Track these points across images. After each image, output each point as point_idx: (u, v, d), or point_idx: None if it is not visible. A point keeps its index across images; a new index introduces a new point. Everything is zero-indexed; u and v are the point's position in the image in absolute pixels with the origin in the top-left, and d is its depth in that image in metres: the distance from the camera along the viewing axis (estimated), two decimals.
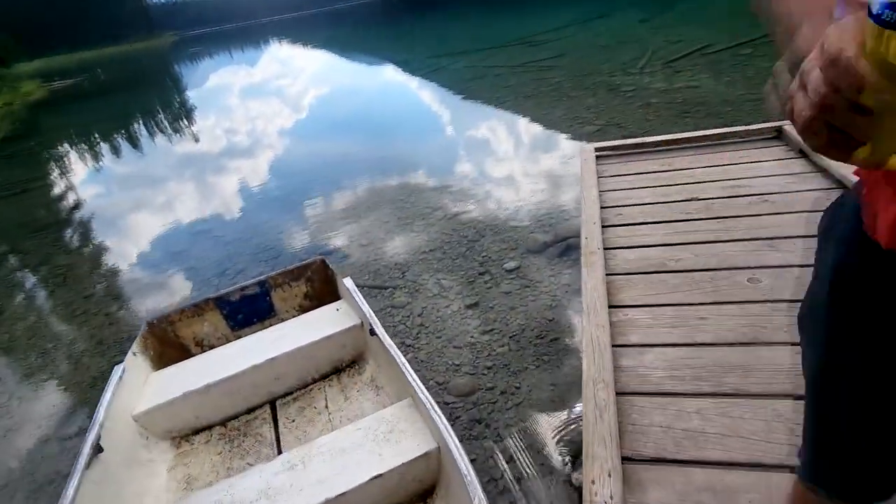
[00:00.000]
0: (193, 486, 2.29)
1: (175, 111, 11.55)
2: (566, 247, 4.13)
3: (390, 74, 12.82)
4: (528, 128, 7.69)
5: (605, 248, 2.69)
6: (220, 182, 7.59)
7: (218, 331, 3.15)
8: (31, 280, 5.63)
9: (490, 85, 10.50)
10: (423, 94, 11.39)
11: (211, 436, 2.54)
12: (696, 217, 2.87)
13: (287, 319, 3.07)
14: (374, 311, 2.69)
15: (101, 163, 9.50)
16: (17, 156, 9.80)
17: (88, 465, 2.03)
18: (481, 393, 2.87)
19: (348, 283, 2.93)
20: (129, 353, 2.69)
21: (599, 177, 3.58)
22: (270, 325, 3.05)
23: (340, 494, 1.71)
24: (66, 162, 9.51)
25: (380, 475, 1.77)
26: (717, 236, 2.64)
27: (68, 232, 6.81)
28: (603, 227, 2.92)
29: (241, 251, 5.22)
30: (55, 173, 9.24)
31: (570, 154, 6.22)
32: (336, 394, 2.66)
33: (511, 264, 4.05)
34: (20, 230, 6.99)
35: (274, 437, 2.40)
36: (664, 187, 3.31)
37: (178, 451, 2.50)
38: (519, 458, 2.40)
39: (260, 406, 2.62)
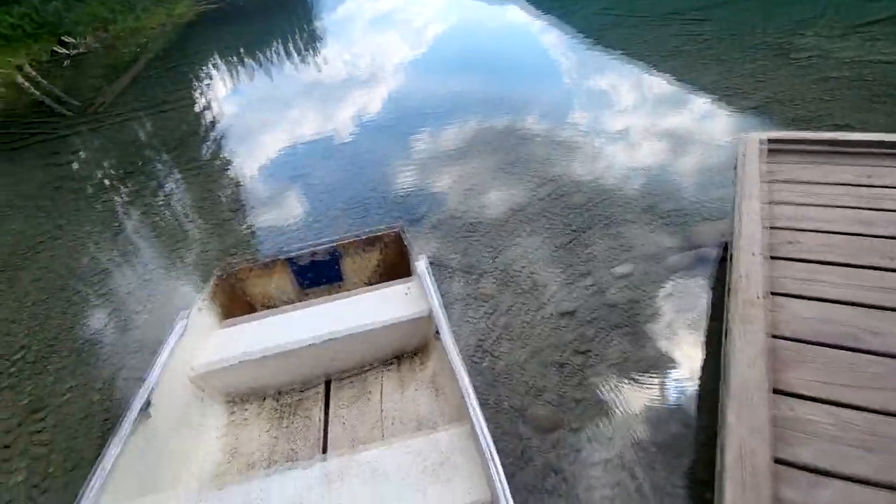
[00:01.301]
0: (236, 463, 2.21)
1: (303, 38, 11.65)
2: (697, 258, 3.35)
3: (515, 13, 11.82)
4: (665, 93, 6.53)
5: (771, 294, 1.98)
6: (334, 112, 7.43)
7: (286, 291, 3.09)
8: (150, 197, 5.96)
9: (625, 36, 9.12)
10: (548, 37, 10.25)
11: (263, 406, 2.46)
12: None
13: (355, 289, 2.96)
14: (456, 298, 2.55)
15: (232, 86, 9.86)
16: (163, 75, 10.54)
17: (135, 425, 1.98)
18: (565, 433, 2.39)
19: (423, 264, 2.64)
20: (194, 308, 2.64)
21: (767, 181, 2.72)
22: (339, 292, 2.98)
23: None
24: (204, 82, 10.02)
25: None
26: None
27: (195, 152, 7.11)
28: (768, 258, 2.17)
29: (338, 191, 5.06)
30: (193, 93, 9.78)
31: (715, 134, 5.13)
32: (393, 385, 2.45)
33: (622, 269, 3.38)
34: (156, 147, 7.47)
35: (322, 426, 2.29)
36: (867, 211, 2.41)
37: (231, 417, 2.44)
38: None
39: (315, 384, 2.52)
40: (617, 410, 2.45)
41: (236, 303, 2.95)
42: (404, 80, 8.39)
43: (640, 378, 2.59)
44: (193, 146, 7.23)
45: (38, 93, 10.81)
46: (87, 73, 12.33)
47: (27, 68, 12.85)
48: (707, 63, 7.12)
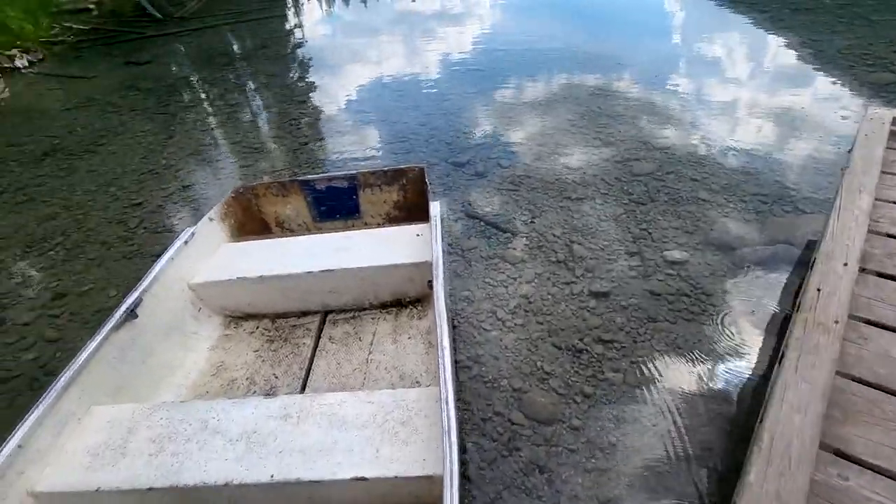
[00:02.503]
0: (219, 379, 2.19)
1: None
2: (773, 257, 2.79)
3: None
4: (785, 56, 5.50)
5: (851, 318, 1.51)
6: (416, 45, 7.09)
7: (300, 216, 3.02)
8: (214, 103, 5.99)
9: None
10: None
11: (258, 326, 2.45)
12: None
13: (370, 225, 2.91)
14: (481, 256, 2.44)
15: (323, 6, 9.68)
16: None
17: (118, 327, 1.97)
18: (562, 429, 2.09)
19: (437, 208, 2.44)
20: (205, 218, 2.64)
21: (888, 171, 2.11)
22: (353, 227, 2.91)
23: (312, 482, 1.44)
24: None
25: (364, 479, 1.44)
26: None
27: (268, 65, 7.04)
28: (860, 270, 1.67)
29: (397, 123, 4.80)
30: (281, 9, 9.70)
31: (836, 110, 4.24)
32: (387, 332, 2.34)
33: (676, 254, 2.90)
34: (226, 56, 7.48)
35: (308, 359, 2.24)
36: None
37: (224, 332, 2.45)
38: None
39: (313, 313, 2.48)
40: (627, 421, 2.10)
41: (250, 222, 2.94)
42: (500, 20, 7.70)
43: (663, 391, 2.21)
44: (267, 59, 7.13)
45: None
46: None
47: None
48: (845, 23, 5.88)
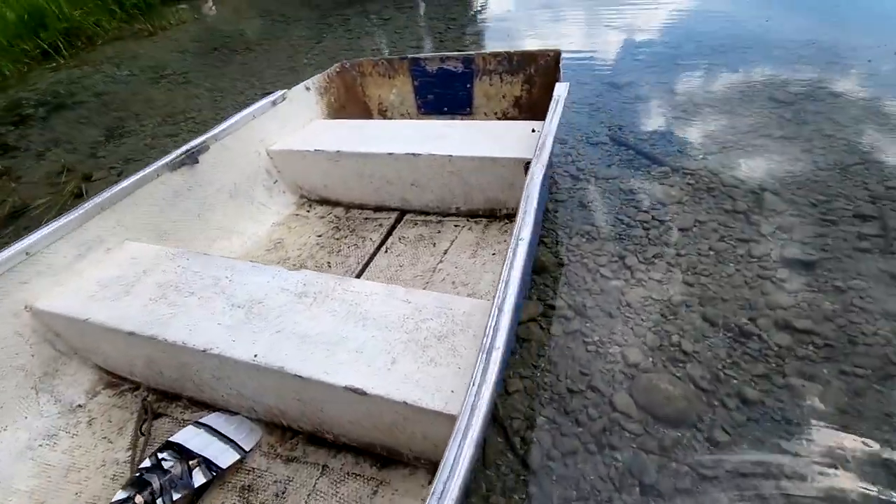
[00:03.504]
0: (272, 254, 1.97)
1: None
2: None
3: None
4: None
5: None
6: (611, 21, 5.68)
7: (404, 104, 2.64)
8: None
9: None
10: None
11: (330, 212, 2.18)
12: None
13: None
14: (620, 189, 2.00)
15: None
16: None
17: (174, 167, 1.79)
18: (690, 437, 1.31)
19: (563, 89, 1.88)
20: (301, 86, 2.37)
21: None
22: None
23: (296, 376, 1.11)
24: None
25: (360, 392, 1.06)
26: None
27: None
28: None
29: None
30: None
31: None
32: (469, 241, 1.88)
33: None
34: None
35: (370, 253, 1.92)
36: None
37: (295, 211, 2.20)
38: None
39: (390, 209, 2.14)
40: (813, 462, 1.22)
41: (351, 104, 2.62)
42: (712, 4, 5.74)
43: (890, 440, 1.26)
44: None
45: None
46: None
47: None
48: None
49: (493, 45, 4.42)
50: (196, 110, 3.75)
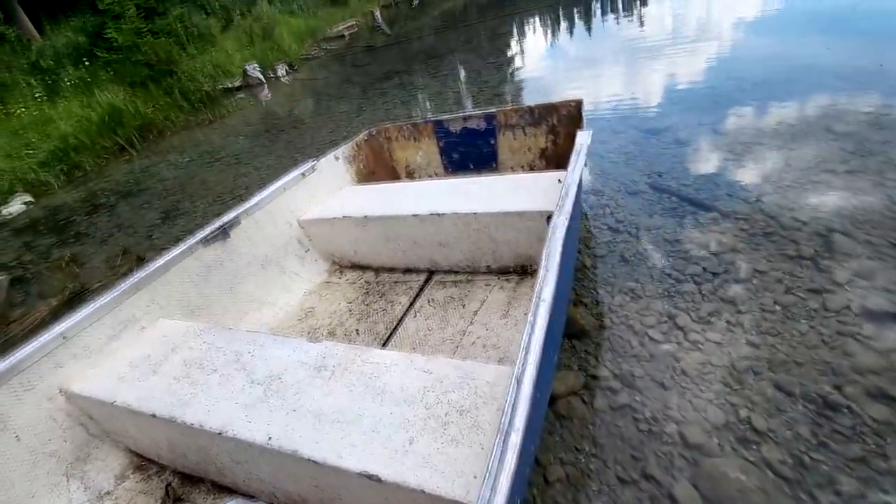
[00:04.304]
0: (303, 323, 1.95)
1: None
2: None
3: None
4: None
5: None
6: (646, 68, 5.30)
7: (431, 165, 2.68)
8: (399, 91, 6.14)
9: None
10: None
11: (361, 277, 2.16)
12: None
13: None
14: (665, 240, 1.92)
15: (551, 32, 8.99)
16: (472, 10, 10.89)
17: (207, 243, 1.83)
18: None
19: (586, 136, 1.81)
20: (331, 156, 2.43)
21: None
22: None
23: (310, 461, 1.03)
24: (500, 24, 9.80)
25: (375, 479, 0.96)
26: None
27: (444, 65, 7.06)
28: None
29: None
30: (495, 32, 9.84)
31: None
32: (500, 301, 1.79)
33: None
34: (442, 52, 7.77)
35: (398, 317, 1.86)
36: None
37: (327, 279, 2.20)
38: None
39: (419, 271, 2.09)
40: None
41: (379, 168, 2.69)
42: (743, 40, 4.94)
43: None
44: (462, 60, 7.10)
45: (380, 21, 12.82)
46: (422, 12, 13.91)
47: (380, 8, 15.51)
48: None
49: (524, 101, 4.46)
50: (243, 188, 3.96)
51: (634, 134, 3.09)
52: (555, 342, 1.38)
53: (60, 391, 1.41)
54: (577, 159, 1.64)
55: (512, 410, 0.85)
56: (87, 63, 8.63)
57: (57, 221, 4.42)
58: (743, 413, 1.34)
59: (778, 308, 1.63)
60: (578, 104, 2.17)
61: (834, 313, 1.55)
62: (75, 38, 9.89)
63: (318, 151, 4.33)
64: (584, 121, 2.11)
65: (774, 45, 4.27)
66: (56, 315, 2.79)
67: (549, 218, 1.39)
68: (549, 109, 2.25)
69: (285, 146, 4.83)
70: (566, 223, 1.31)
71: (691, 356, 1.54)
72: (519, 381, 0.91)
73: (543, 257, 1.20)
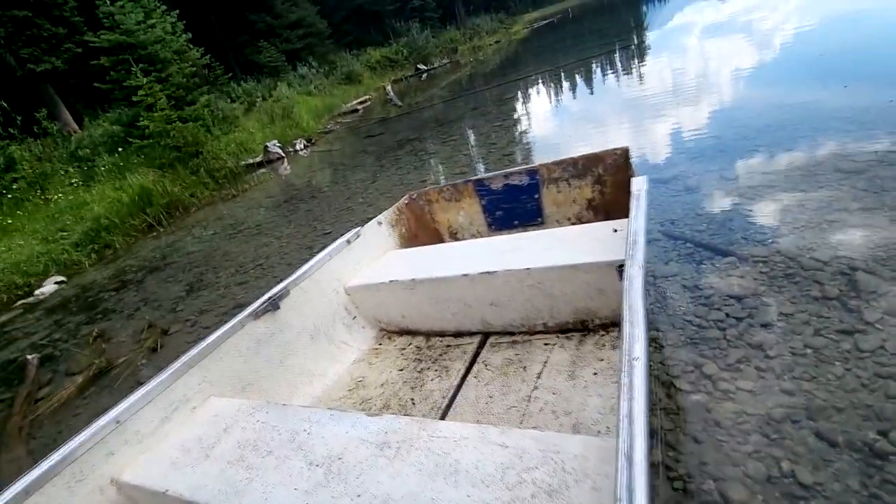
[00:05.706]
0: (354, 394, 1.88)
1: (629, 49, 10.19)
2: None
3: None
4: None
5: None
6: (650, 121, 5.15)
7: (474, 225, 2.64)
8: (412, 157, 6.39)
9: None
10: None
11: (410, 343, 2.09)
12: None
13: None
14: (683, 287, 1.84)
15: (553, 93, 9.41)
16: (477, 78, 11.58)
17: (257, 316, 1.82)
18: None
19: (642, 183, 1.76)
20: (373, 222, 2.43)
21: None
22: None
23: None
24: (505, 87, 10.30)
25: None
26: None
27: (452, 130, 7.37)
28: None
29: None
30: (500, 97, 10.39)
31: None
32: (563, 361, 1.68)
33: None
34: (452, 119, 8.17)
35: (455, 385, 1.76)
36: None
37: (375, 345, 2.14)
38: None
39: (472, 333, 2.00)
40: None
41: (422, 232, 2.69)
42: (743, 91, 4.95)
43: None
44: (469, 127, 7.41)
45: (391, 94, 13.61)
46: (430, 84, 14.78)
47: (391, 83, 16.51)
48: None
49: (531, 157, 4.60)
50: (264, 257, 4.07)
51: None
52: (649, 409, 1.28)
53: (111, 481, 1.35)
54: (639, 205, 1.59)
55: (628, 495, 0.74)
56: (120, 150, 9.25)
57: (86, 299, 4.57)
58: (786, 466, 1.27)
59: (809, 351, 1.57)
60: (625, 152, 2.17)
61: (869, 353, 1.49)
62: (111, 128, 10.68)
63: (336, 217, 4.48)
64: (634, 168, 2.07)
65: (772, 93, 4.40)
66: (82, 391, 2.82)
67: (619, 268, 1.35)
68: (594, 160, 2.25)
69: (304, 215, 5.01)
70: (641, 273, 1.23)
71: (724, 406, 1.48)
72: (629, 459, 0.79)
73: (625, 311, 1.11)
